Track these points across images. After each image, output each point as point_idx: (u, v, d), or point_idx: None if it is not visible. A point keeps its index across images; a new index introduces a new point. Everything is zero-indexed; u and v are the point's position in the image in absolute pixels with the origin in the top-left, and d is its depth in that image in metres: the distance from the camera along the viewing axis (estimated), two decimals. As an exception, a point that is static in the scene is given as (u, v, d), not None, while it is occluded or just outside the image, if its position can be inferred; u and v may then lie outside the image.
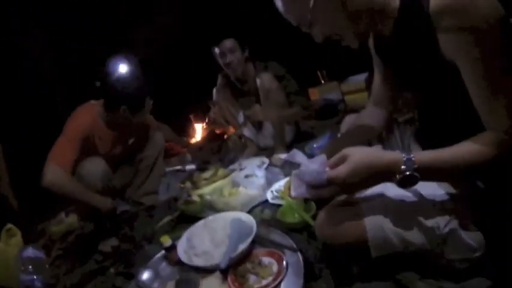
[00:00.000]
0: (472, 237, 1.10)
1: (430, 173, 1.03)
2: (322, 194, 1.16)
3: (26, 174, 3.50)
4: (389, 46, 1.31)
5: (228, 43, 2.95)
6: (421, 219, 1.12)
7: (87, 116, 2.54)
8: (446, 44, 1.01)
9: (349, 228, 1.18)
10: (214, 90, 3.33)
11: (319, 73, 4.12)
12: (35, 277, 2.07)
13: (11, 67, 3.66)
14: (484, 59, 0.97)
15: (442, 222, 1.10)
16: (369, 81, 3.47)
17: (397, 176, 1.02)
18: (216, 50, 3.02)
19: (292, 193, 1.24)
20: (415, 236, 1.13)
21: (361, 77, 3.61)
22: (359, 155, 1.06)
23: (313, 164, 1.12)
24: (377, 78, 1.54)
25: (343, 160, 1.07)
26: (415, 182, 1.03)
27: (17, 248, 2.29)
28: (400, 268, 1.23)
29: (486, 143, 1.00)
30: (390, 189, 1.20)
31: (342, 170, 1.05)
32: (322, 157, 1.12)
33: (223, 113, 3.35)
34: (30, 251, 2.20)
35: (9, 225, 2.46)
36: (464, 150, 1.02)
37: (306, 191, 1.16)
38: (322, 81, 4.09)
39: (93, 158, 2.55)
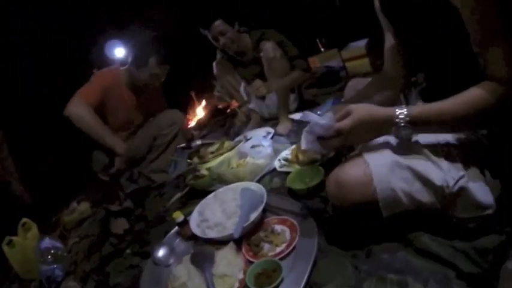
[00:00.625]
0: (482, 195, 1.10)
1: (423, 123, 1.09)
2: (331, 145, 1.23)
3: (36, 169, 3.55)
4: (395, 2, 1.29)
5: (217, 26, 2.93)
6: (431, 177, 1.11)
7: (110, 73, 2.77)
8: None
9: (359, 189, 1.16)
10: (214, 64, 3.29)
11: (318, 41, 4.06)
12: (54, 266, 2.11)
13: (12, 63, 3.64)
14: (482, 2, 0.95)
15: (451, 181, 1.10)
16: (369, 47, 3.42)
17: (393, 128, 1.11)
18: (208, 34, 3.00)
19: (303, 146, 1.27)
20: (424, 195, 1.13)
21: (361, 43, 3.53)
22: (362, 109, 1.14)
23: (322, 120, 1.19)
24: (388, 44, 1.50)
25: (347, 114, 1.14)
26: (410, 134, 1.10)
27: (34, 241, 2.33)
28: (411, 228, 1.24)
29: (482, 93, 1.01)
30: (399, 149, 1.19)
31: (347, 122, 1.13)
32: (330, 114, 1.19)
33: (225, 86, 3.33)
34: (48, 242, 2.23)
35: (25, 219, 2.49)
36: (460, 99, 1.04)
37: (316, 144, 1.24)
38: (322, 50, 4.03)
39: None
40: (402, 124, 1.09)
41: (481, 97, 1.01)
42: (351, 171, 1.20)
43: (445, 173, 1.11)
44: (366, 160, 1.18)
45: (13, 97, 3.59)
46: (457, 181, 1.10)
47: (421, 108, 1.12)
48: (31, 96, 3.67)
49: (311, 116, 1.26)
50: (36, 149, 3.64)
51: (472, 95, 1.03)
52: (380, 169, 1.14)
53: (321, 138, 1.22)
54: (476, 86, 1.03)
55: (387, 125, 1.12)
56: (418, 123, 1.09)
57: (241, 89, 3.32)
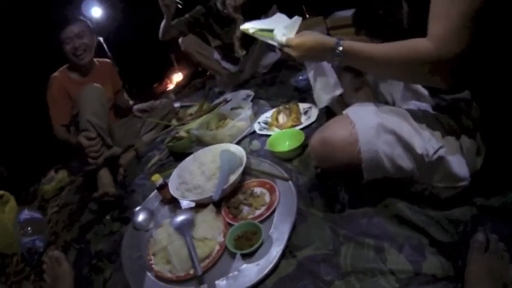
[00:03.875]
0: (458, 167, 1.13)
1: (354, 56, 1.16)
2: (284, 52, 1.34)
3: (10, 139, 3.47)
4: None
5: None
6: (413, 144, 1.12)
7: (56, 74, 2.70)
8: None
9: (344, 148, 1.15)
10: (180, 41, 3.21)
11: (303, 8, 3.98)
12: (35, 237, 2.08)
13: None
14: None
15: (431, 150, 1.12)
16: (355, 18, 3.36)
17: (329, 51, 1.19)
18: None
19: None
20: (405, 161, 1.14)
21: (348, 13, 3.47)
22: (311, 34, 1.26)
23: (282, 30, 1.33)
24: None
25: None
26: (341, 61, 1.19)
27: (12, 213, 2.28)
28: (388, 194, 1.28)
29: (419, 45, 1.02)
30: (384, 112, 1.19)
31: (296, 38, 1.27)
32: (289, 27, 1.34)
33: (196, 58, 3.26)
34: (27, 213, 2.19)
35: (2, 192, 2.42)
36: (398, 43, 1.07)
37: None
38: (307, 16, 3.96)
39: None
40: (336, 51, 1.16)
41: (417, 48, 1.02)
42: (336, 130, 1.19)
43: (425, 142, 1.13)
44: (352, 120, 1.17)
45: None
46: (436, 151, 1.12)
47: (357, 42, 1.17)
48: (6, 67, 3.55)
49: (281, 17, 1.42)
50: (11, 121, 3.55)
51: (409, 43, 1.04)
52: (366, 130, 1.14)
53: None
54: (418, 39, 1.03)
55: (325, 49, 1.19)
56: (350, 53, 1.15)
57: (215, 55, 3.27)
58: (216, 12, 3.10)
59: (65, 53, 2.58)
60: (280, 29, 1.33)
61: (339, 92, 1.36)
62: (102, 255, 1.76)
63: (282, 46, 1.32)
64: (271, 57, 3.14)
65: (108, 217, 2.06)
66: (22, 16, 3.54)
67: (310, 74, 1.39)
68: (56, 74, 2.70)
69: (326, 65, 1.37)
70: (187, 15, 3.22)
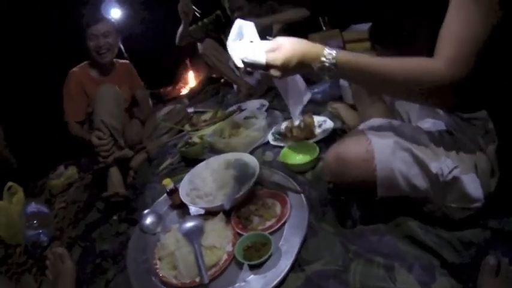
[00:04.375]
0: (472, 188, 1.11)
1: (350, 69, 1.08)
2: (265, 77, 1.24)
3: (22, 132, 3.48)
4: None
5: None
6: (428, 163, 1.11)
7: (76, 69, 2.72)
8: None
9: (360, 165, 1.14)
10: (198, 44, 3.24)
11: (321, 20, 3.99)
12: (40, 231, 2.08)
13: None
14: None
15: (445, 170, 1.10)
16: (371, 32, 3.37)
17: (317, 64, 1.09)
18: (226, 4, 3.03)
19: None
20: (420, 180, 1.13)
21: (364, 27, 3.47)
22: (291, 44, 1.12)
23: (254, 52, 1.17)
24: None
25: (277, 47, 1.12)
26: (333, 76, 1.10)
27: (20, 205, 2.28)
28: (400, 213, 1.27)
29: (425, 64, 1.00)
30: (401, 130, 1.18)
31: (279, 56, 1.11)
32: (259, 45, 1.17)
33: (212, 62, 3.26)
34: (34, 206, 2.19)
35: (10, 183, 2.44)
36: (401, 60, 1.03)
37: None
38: (324, 28, 3.97)
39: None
40: (327, 64, 1.08)
41: (429, 68, 0.99)
42: (352, 147, 1.18)
43: (440, 162, 1.11)
44: (368, 137, 1.16)
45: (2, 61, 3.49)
46: (451, 171, 1.10)
47: (353, 55, 1.08)
48: (22, 61, 3.57)
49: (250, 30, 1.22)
50: (24, 113, 3.56)
51: (419, 62, 1.01)
52: (382, 148, 1.13)
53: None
54: (425, 58, 1.01)
55: (314, 61, 1.10)
56: (344, 68, 1.08)
57: (230, 63, 3.26)
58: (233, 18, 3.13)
59: (88, 49, 2.61)
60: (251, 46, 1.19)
61: (308, 96, 1.35)
62: (107, 255, 1.76)
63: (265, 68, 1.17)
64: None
65: (115, 217, 2.06)
66: (45, 11, 3.56)
67: (279, 84, 1.32)
68: (75, 69, 2.72)
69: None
70: (204, 20, 3.24)
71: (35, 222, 2.12)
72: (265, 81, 3.04)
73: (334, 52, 1.08)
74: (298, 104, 1.32)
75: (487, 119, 1.14)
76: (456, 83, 0.96)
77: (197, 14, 3.00)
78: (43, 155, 3.33)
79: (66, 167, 3.03)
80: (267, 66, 1.14)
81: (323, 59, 1.08)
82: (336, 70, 1.08)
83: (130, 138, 2.66)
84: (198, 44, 3.24)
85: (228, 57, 3.23)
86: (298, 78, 1.29)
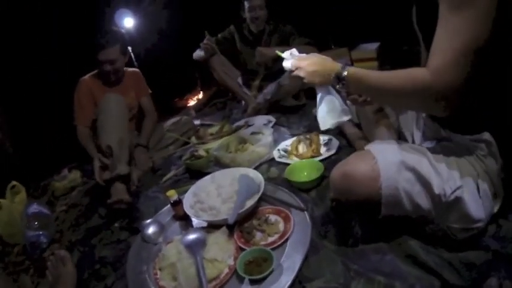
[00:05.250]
0: (475, 208, 1.13)
1: (357, 81, 1.22)
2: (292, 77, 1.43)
3: (28, 132, 3.50)
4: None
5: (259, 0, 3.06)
6: (431, 182, 1.13)
7: (86, 77, 2.77)
8: None
9: (366, 183, 1.15)
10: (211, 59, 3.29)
11: (329, 38, 4.02)
12: (40, 233, 2.07)
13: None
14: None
15: (448, 190, 1.12)
16: (379, 51, 3.40)
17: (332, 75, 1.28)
18: (246, 4, 3.07)
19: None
20: (423, 199, 1.15)
21: (373, 46, 3.51)
22: (316, 56, 1.39)
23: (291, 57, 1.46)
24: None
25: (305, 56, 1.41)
26: (344, 87, 1.27)
27: (21, 205, 2.29)
28: (402, 232, 1.28)
29: (412, 77, 1.06)
30: (405, 149, 1.20)
31: (303, 60, 1.38)
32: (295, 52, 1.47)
33: (221, 77, 3.30)
34: (35, 207, 2.19)
35: (14, 183, 2.45)
36: (402, 71, 1.10)
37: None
38: (332, 47, 4.00)
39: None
40: (341, 75, 1.24)
41: (416, 76, 1.05)
42: (358, 165, 1.20)
43: (443, 182, 1.13)
44: (374, 156, 1.18)
45: (12, 60, 3.52)
46: (454, 191, 1.12)
47: (360, 69, 1.24)
48: (33, 63, 3.61)
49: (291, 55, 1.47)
50: (33, 114, 3.58)
51: (410, 71, 1.08)
52: (388, 166, 1.15)
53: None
54: (419, 68, 1.07)
55: (331, 71, 1.29)
56: (352, 80, 1.23)
57: (239, 79, 3.33)
58: (248, 32, 3.23)
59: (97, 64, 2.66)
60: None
61: (346, 118, 1.40)
62: (106, 261, 1.76)
63: (290, 69, 1.42)
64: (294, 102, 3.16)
65: (116, 225, 2.06)
66: (57, 19, 3.61)
67: (318, 96, 1.43)
68: (85, 77, 2.76)
69: (335, 92, 1.41)
70: (219, 36, 3.29)
71: (35, 223, 2.12)
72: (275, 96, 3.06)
73: (346, 66, 1.25)
74: (331, 117, 1.41)
75: (490, 141, 1.15)
76: (442, 91, 1.00)
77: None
78: (48, 156, 3.34)
79: (70, 170, 3.03)
80: (295, 67, 1.39)
81: (337, 72, 1.25)
82: (348, 80, 1.24)
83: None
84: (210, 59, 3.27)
85: (235, 74, 3.26)
86: (337, 98, 1.40)
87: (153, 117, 3.00)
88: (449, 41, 0.99)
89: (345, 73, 1.23)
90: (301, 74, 1.37)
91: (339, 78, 1.26)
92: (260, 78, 3.22)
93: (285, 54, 1.47)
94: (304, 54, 1.42)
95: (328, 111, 1.41)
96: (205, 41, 3.12)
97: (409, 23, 1.36)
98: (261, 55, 2.95)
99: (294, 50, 1.47)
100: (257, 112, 3.06)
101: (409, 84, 1.07)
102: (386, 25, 3.22)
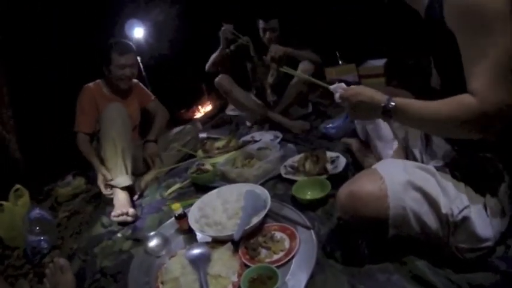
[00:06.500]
0: (482, 227, 1.12)
1: (405, 113, 1.17)
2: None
3: (34, 136, 3.51)
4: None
5: (273, 22, 3.01)
6: (439, 202, 1.12)
7: (90, 85, 2.78)
8: (450, 14, 1.06)
9: (373, 203, 1.15)
10: (220, 81, 3.23)
11: (337, 54, 4.04)
12: (41, 238, 2.07)
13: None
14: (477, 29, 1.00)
15: (455, 210, 1.11)
16: (387, 67, 3.42)
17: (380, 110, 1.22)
18: (261, 25, 3.05)
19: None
20: (430, 219, 1.14)
21: (380, 62, 3.53)
22: (363, 88, 1.31)
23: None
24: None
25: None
26: (390, 119, 1.22)
27: (24, 209, 2.28)
28: (409, 251, 1.26)
29: (459, 103, 1.05)
30: (413, 169, 1.20)
31: (348, 91, 1.34)
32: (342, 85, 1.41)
33: (237, 98, 3.29)
34: (38, 212, 2.19)
35: (17, 186, 2.45)
36: (446, 100, 1.08)
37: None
38: (340, 62, 4.02)
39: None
40: (388, 108, 1.19)
41: (463, 103, 1.04)
42: (365, 185, 1.19)
43: (451, 201, 1.12)
44: (382, 176, 1.18)
45: (23, 65, 3.56)
46: (461, 211, 1.11)
47: (406, 99, 1.19)
48: (43, 66, 3.64)
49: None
50: (39, 118, 3.60)
51: (456, 99, 1.06)
52: (395, 186, 1.15)
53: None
54: (464, 95, 1.05)
55: (377, 105, 1.22)
56: (401, 110, 1.17)
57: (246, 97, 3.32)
58: (261, 44, 3.20)
59: (110, 72, 2.67)
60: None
61: (396, 145, 1.42)
62: (107, 272, 1.74)
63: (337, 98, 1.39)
64: (301, 111, 3.16)
65: (119, 235, 2.05)
66: (69, 26, 3.64)
67: (369, 127, 1.47)
68: (90, 84, 2.77)
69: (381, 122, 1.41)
70: (231, 47, 3.29)
71: (37, 228, 2.12)
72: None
73: (392, 98, 1.19)
74: (389, 148, 1.46)
75: (497, 158, 1.15)
76: (490, 113, 0.99)
77: (242, 41, 3.08)
78: (54, 161, 3.35)
79: (75, 177, 3.05)
80: (342, 99, 1.36)
81: (383, 104, 1.20)
82: (394, 113, 1.19)
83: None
84: (219, 81, 3.27)
85: (239, 94, 3.24)
86: (386, 129, 1.44)
87: (165, 114, 3.08)
88: (480, 64, 1.00)
89: (392, 104, 1.19)
90: (346, 104, 1.35)
91: (385, 109, 1.21)
92: (274, 76, 3.22)
93: (333, 87, 1.44)
94: (353, 86, 1.37)
95: (383, 146, 1.47)
96: (223, 29, 3.04)
97: (413, 37, 1.37)
98: (275, 51, 2.89)
99: (342, 84, 1.43)
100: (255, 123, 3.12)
101: (457, 111, 1.05)
102: (393, 41, 3.24)
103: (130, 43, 2.71)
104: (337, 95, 1.39)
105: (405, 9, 1.32)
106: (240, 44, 3.16)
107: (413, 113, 1.16)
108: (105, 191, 2.36)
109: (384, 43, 3.45)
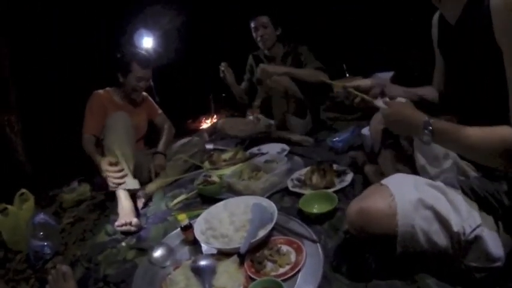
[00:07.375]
0: (494, 247, 1.10)
1: (444, 137, 1.16)
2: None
3: (40, 141, 3.54)
4: (451, 38, 1.33)
5: (262, 18, 3.09)
6: (450, 221, 1.11)
7: (100, 91, 2.84)
8: (497, 26, 1.05)
9: (382, 221, 1.14)
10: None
11: (344, 66, 4.05)
12: (45, 243, 2.07)
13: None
14: None
15: (468, 229, 1.09)
16: (394, 81, 3.41)
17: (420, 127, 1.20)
18: (251, 24, 3.13)
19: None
20: (441, 238, 1.12)
21: (387, 75, 3.53)
22: (402, 104, 1.34)
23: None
24: (437, 69, 1.60)
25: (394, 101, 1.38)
26: (429, 141, 1.18)
27: (28, 213, 2.29)
28: (418, 269, 1.24)
29: (502, 139, 1.03)
30: (424, 187, 1.19)
31: (389, 108, 1.35)
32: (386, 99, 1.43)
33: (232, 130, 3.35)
34: (42, 217, 2.19)
35: (23, 190, 2.46)
36: (489, 129, 1.07)
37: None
38: (347, 75, 4.02)
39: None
40: (426, 130, 1.17)
41: (504, 136, 1.03)
42: (376, 201, 1.18)
43: (462, 220, 1.11)
44: (392, 193, 1.17)
45: (31, 71, 3.59)
46: (474, 229, 1.10)
47: (447, 123, 1.18)
48: (52, 73, 3.67)
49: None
50: (46, 123, 3.63)
51: (501, 131, 1.05)
52: (405, 204, 1.13)
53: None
54: (506, 126, 1.04)
55: (415, 125, 1.22)
56: (439, 134, 1.16)
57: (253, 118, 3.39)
58: (264, 57, 3.29)
59: (125, 81, 2.74)
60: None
61: (448, 164, 1.32)
62: (111, 280, 1.72)
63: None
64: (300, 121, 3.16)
65: (123, 244, 2.04)
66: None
67: (416, 143, 1.40)
68: (100, 91, 2.82)
69: None
70: (244, 77, 3.37)
71: (41, 233, 2.12)
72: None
73: (431, 120, 1.18)
74: (433, 166, 1.36)
75: (510, 176, 1.14)
76: None
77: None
78: (59, 166, 3.36)
79: (80, 183, 3.06)
80: (382, 114, 1.37)
81: (423, 124, 1.18)
82: (432, 135, 1.17)
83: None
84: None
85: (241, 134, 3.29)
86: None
87: (172, 129, 3.14)
88: None
89: (430, 128, 1.17)
90: (384, 119, 1.37)
91: (422, 131, 1.19)
92: (261, 98, 3.25)
93: (378, 103, 1.44)
94: (397, 102, 1.38)
95: (428, 162, 1.38)
96: (221, 68, 3.17)
97: (421, 47, 1.38)
98: (261, 72, 2.93)
99: (386, 99, 1.44)
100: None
101: (499, 144, 1.04)
102: (400, 54, 3.26)
103: (152, 57, 2.76)
104: (381, 111, 1.41)
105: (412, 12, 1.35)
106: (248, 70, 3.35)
107: (451, 139, 1.16)
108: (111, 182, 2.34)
109: (384, 43, 3.46)
